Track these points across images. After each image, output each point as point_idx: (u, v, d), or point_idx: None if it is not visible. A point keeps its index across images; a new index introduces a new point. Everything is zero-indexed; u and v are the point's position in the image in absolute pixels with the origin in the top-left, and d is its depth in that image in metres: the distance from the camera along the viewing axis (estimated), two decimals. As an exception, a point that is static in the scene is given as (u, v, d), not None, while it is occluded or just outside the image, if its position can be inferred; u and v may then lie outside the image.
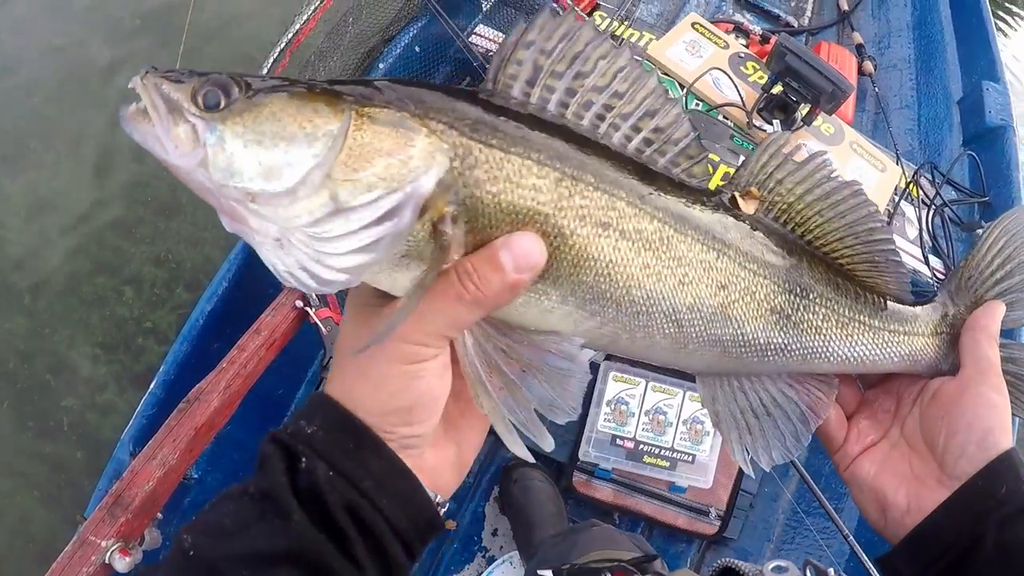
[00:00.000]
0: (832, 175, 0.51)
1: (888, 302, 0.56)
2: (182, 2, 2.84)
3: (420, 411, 0.42)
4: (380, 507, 0.40)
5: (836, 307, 0.54)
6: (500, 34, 1.94)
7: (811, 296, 0.52)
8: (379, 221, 0.38)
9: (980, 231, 1.98)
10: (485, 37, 1.94)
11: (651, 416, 1.68)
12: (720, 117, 1.87)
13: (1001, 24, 4.33)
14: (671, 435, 1.68)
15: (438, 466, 0.45)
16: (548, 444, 0.44)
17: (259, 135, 0.38)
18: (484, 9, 2.09)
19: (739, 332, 0.50)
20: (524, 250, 0.40)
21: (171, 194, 2.58)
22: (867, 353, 0.56)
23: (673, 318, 0.47)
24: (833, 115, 1.87)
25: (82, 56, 2.96)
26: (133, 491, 1.31)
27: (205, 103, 0.38)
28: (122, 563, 1.27)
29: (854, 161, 1.90)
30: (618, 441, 1.67)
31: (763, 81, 1.85)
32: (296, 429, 0.41)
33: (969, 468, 0.49)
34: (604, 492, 1.73)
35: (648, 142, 0.46)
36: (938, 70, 2.17)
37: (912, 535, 0.51)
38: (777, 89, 1.78)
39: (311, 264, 0.38)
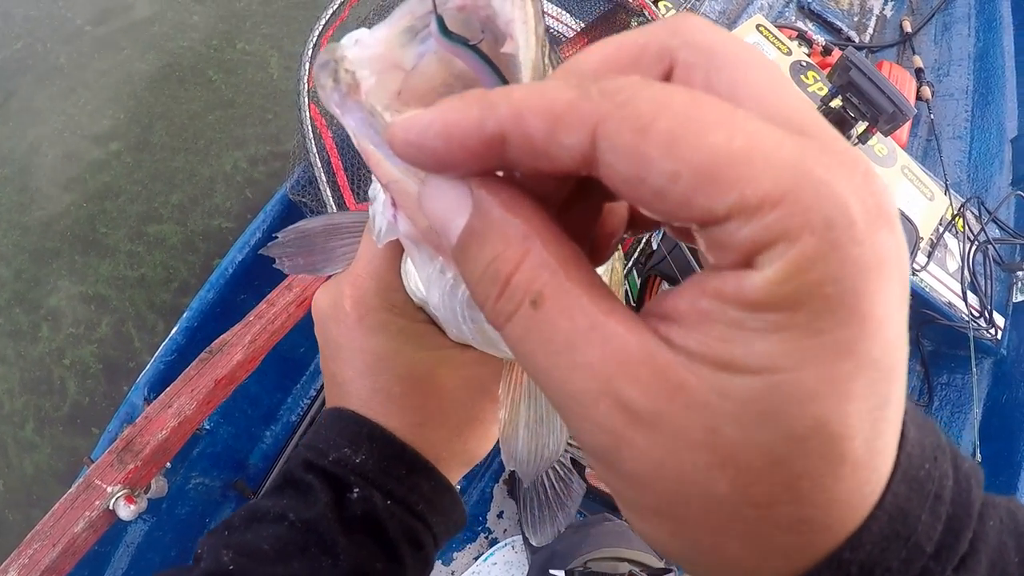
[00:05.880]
0: None
1: None
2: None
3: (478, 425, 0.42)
4: (430, 524, 0.40)
5: None
6: (563, 12, 1.87)
7: None
8: None
9: (1021, 272, 1.98)
10: (548, 15, 1.86)
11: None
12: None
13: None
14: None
15: (450, 458, 0.43)
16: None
17: None
18: (545, -15, 2.01)
19: None
20: None
21: (91, 228, 2.35)
22: None
23: None
24: (888, 136, 1.82)
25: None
26: (145, 438, 1.27)
27: None
28: (126, 511, 1.23)
29: (903, 186, 1.86)
30: (636, 442, 1.64)
31: (823, 93, 1.79)
32: (340, 457, 0.38)
33: None
34: (615, 489, 1.69)
35: None
36: (995, 105, 2.13)
37: None
38: (836, 103, 1.72)
39: None
